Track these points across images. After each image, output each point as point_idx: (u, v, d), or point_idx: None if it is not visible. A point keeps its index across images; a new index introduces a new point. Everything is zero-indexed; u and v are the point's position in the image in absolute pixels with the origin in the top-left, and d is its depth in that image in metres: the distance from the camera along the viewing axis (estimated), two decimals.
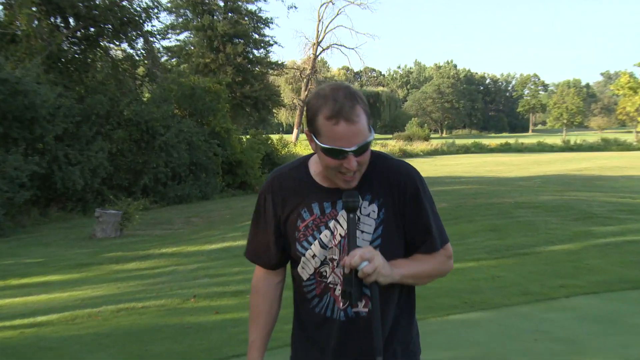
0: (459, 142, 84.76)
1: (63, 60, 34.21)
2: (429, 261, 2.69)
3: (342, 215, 2.60)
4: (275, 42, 54.39)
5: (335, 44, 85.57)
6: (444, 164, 57.57)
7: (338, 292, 2.64)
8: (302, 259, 2.67)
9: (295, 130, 78.35)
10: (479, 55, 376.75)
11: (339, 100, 2.41)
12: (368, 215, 2.61)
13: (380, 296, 2.53)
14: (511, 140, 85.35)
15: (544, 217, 17.12)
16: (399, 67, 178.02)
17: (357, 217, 2.58)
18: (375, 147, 50.18)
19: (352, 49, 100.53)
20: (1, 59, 27.61)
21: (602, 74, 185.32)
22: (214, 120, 37.36)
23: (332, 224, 2.61)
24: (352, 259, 2.42)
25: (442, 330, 7.36)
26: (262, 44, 52.97)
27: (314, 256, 2.65)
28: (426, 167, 51.88)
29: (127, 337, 7.58)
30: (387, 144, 76.66)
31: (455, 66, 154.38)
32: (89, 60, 36.13)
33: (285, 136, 55.07)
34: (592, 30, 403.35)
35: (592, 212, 17.69)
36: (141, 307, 9.49)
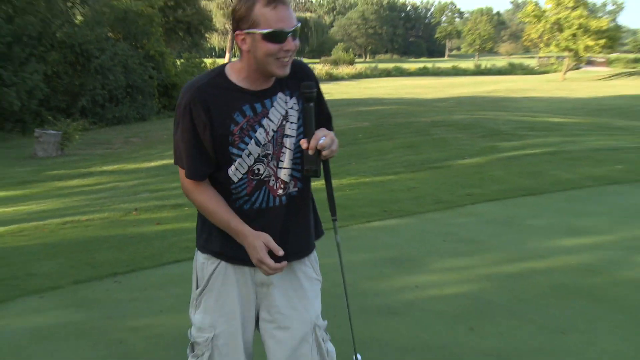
0: (381, 66, 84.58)
1: None
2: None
3: (272, 112, 2.67)
4: None
5: None
6: (367, 86, 57.54)
7: (273, 182, 2.72)
8: (238, 160, 2.67)
9: (227, 55, 76.97)
10: None
11: None
12: (292, 108, 2.70)
13: (306, 187, 2.84)
14: (429, 65, 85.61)
15: (456, 135, 17.46)
16: None
17: (274, 105, 2.69)
18: None
19: None
20: None
21: (511, 2, 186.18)
22: (148, 44, 36.67)
23: (265, 121, 2.65)
24: (325, 141, 2.57)
25: (363, 235, 7.56)
26: None
27: (249, 155, 2.66)
28: (351, 90, 51.84)
29: (74, 247, 7.55)
30: (315, 68, 76.13)
31: None
32: None
33: (218, 60, 54.58)
34: None
35: (498, 129, 18.12)
36: (85, 219, 9.44)
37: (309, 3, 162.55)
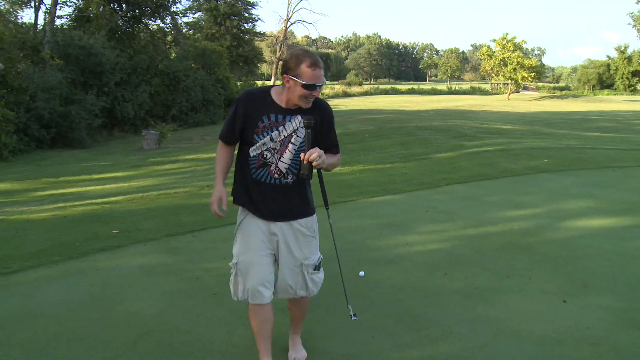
0: (381, 87, 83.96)
1: (119, 32, 34.58)
2: (335, 157, 3.07)
3: (287, 125, 2.93)
4: (259, 19, 54.45)
5: (300, 20, 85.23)
6: (372, 101, 57.18)
7: (273, 167, 2.97)
8: (257, 144, 2.95)
9: (272, 78, 77.06)
10: (395, 29, 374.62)
11: (313, 57, 2.80)
12: (302, 127, 2.92)
13: (301, 179, 2.99)
14: (415, 86, 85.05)
15: (435, 136, 17.23)
16: (342, 36, 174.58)
17: (291, 121, 2.94)
18: (326, 90, 48.79)
19: (311, 23, 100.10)
20: (80, 33, 27.92)
21: (471, 45, 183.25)
22: (218, 71, 37.23)
23: (280, 128, 2.93)
24: (313, 156, 2.82)
25: (368, 207, 7.54)
26: (250, 20, 51.85)
27: (264, 144, 2.94)
28: (360, 103, 51.56)
29: (167, 211, 7.58)
30: (335, 87, 75.84)
31: (379, 36, 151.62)
32: (135, 32, 36.26)
33: (267, 82, 55.32)
34: (466, 14, 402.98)
35: (464, 132, 17.90)
36: (174, 192, 9.44)
37: (331, 42, 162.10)
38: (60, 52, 26.80)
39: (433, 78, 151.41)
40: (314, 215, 3.17)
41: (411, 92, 79.67)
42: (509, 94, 67.58)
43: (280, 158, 2.96)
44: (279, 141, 2.94)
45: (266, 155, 2.96)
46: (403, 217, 6.85)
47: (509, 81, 68.28)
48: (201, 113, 34.36)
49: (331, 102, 53.67)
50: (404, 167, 11.32)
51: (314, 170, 2.97)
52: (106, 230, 6.57)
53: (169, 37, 39.43)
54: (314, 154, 2.82)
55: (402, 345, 3.47)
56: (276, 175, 2.98)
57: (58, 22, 32.31)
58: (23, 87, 23.05)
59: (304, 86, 2.79)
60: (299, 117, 2.93)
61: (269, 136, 2.93)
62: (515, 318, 3.84)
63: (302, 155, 2.88)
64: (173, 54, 37.22)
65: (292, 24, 77.09)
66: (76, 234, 6.41)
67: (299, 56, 2.80)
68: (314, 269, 3.16)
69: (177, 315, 4.03)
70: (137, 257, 5.51)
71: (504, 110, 40.98)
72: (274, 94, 2.97)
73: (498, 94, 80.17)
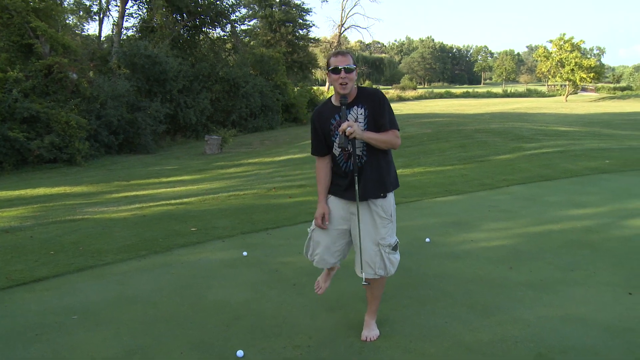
0: (436, 90, 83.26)
1: (181, 41, 35.45)
2: (384, 135, 3.36)
3: (349, 118, 3.37)
4: (313, 25, 54.92)
5: (353, 25, 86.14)
6: (426, 105, 56.89)
7: (353, 156, 3.41)
8: (335, 143, 3.44)
9: (327, 84, 77.64)
10: (449, 32, 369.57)
11: (337, 51, 3.42)
12: (361, 114, 3.37)
13: (370, 152, 3.40)
14: (469, 90, 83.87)
15: (493, 138, 17.24)
16: (395, 40, 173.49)
17: (350, 113, 3.37)
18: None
19: (365, 28, 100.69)
20: (145, 43, 28.75)
21: (527, 46, 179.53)
22: (275, 77, 37.84)
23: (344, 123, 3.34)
24: (343, 126, 3.25)
25: (432, 207, 7.75)
26: (304, 27, 52.41)
27: (339, 141, 3.36)
28: (415, 107, 51.37)
29: (239, 211, 7.92)
30: (389, 92, 75.64)
31: (433, 40, 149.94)
32: (197, 40, 37.16)
33: (321, 87, 56.04)
34: (521, 15, 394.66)
35: (522, 135, 17.81)
36: (242, 194, 9.82)
37: (384, 47, 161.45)
38: (126, 62, 27.85)
39: (488, 81, 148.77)
40: (389, 199, 3.54)
41: (466, 95, 78.68)
42: (567, 96, 65.90)
43: (355, 145, 3.40)
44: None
45: (349, 148, 3.41)
46: (466, 216, 7.04)
47: (567, 82, 66.52)
48: (260, 118, 34.97)
49: None
50: (463, 168, 11.44)
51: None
52: (184, 227, 6.99)
53: (228, 45, 40.27)
54: (343, 126, 3.26)
55: (474, 330, 3.70)
56: (356, 161, 3.44)
57: (124, 33, 33.67)
58: (94, 95, 24.11)
59: (331, 71, 3.33)
60: (356, 107, 3.39)
61: (339, 136, 3.37)
62: (581, 307, 4.01)
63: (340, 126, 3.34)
64: (232, 62, 38.05)
65: (345, 29, 77.67)
66: (157, 231, 6.87)
67: (331, 55, 3.39)
68: (391, 249, 3.52)
69: (262, 302, 4.36)
70: (216, 251, 5.88)
71: (561, 112, 40.21)
72: (334, 100, 3.48)
73: (555, 95, 78.38)
